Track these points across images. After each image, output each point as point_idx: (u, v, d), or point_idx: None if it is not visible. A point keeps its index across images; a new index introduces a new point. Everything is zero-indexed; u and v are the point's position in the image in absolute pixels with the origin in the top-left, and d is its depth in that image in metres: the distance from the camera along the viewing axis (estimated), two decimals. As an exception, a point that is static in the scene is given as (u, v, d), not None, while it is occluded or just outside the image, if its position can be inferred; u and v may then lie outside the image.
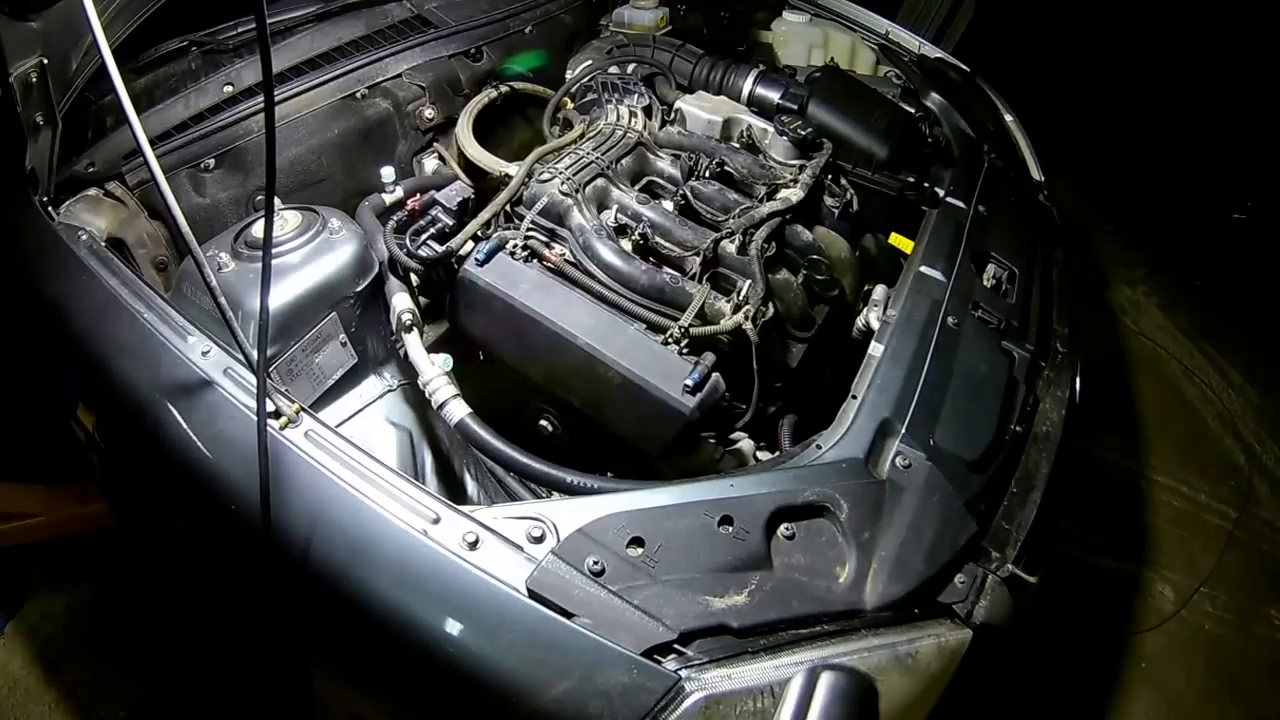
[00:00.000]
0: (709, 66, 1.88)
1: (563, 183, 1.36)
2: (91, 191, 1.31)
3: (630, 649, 0.79)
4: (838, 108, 1.74)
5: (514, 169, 1.50)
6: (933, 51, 2.32)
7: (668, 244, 1.36)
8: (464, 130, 1.65)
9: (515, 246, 1.31)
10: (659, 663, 0.79)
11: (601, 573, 0.84)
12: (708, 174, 1.52)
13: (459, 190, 1.45)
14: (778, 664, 0.82)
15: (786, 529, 0.94)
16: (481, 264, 1.28)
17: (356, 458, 0.94)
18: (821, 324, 1.45)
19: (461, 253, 1.32)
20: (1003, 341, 1.32)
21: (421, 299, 1.45)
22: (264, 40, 0.75)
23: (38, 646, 1.76)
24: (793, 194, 1.48)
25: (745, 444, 1.30)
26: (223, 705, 1.68)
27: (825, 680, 0.81)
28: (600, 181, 1.42)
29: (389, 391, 1.33)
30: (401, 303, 1.28)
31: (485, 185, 1.61)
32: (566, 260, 1.30)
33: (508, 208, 1.39)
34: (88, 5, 0.74)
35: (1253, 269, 3.59)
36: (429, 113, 1.70)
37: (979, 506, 1.06)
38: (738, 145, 1.64)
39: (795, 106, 1.75)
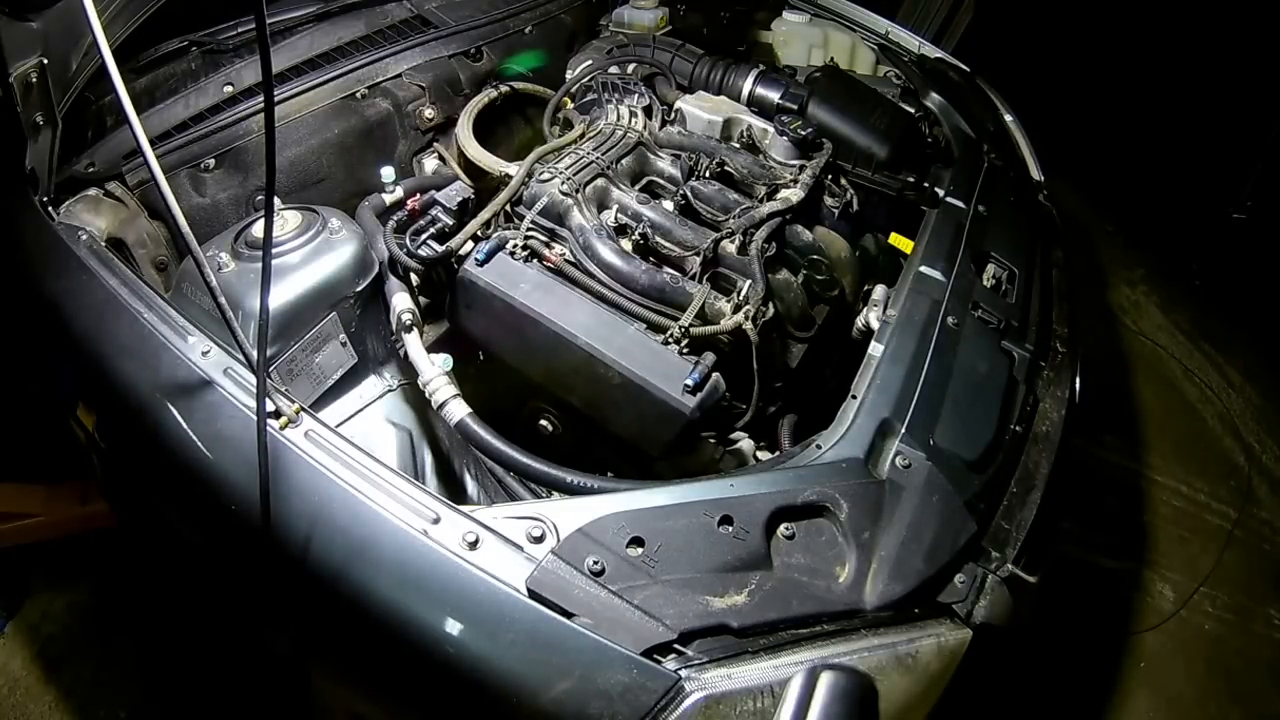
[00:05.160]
0: (709, 66, 1.88)
1: (563, 183, 1.36)
2: (91, 191, 1.31)
3: (630, 649, 0.79)
4: (838, 108, 1.74)
5: (514, 169, 1.50)
6: (933, 51, 2.32)
7: (668, 244, 1.36)
8: (464, 130, 1.65)
9: (515, 246, 1.31)
10: (659, 662, 0.79)
11: (601, 572, 0.84)
12: (708, 174, 1.52)
13: (459, 190, 1.45)
14: (778, 664, 0.82)
15: (786, 529, 0.94)
16: (481, 264, 1.28)
17: (356, 458, 0.94)
18: (821, 324, 1.45)
19: (461, 253, 1.32)
20: (1003, 341, 1.32)
21: (421, 299, 1.45)
22: (264, 40, 0.75)
23: (38, 646, 1.76)
24: (793, 194, 1.48)
25: (745, 444, 1.30)
26: (223, 705, 1.68)
27: (825, 680, 0.81)
28: (600, 181, 1.42)
29: (389, 391, 1.33)
30: (401, 303, 1.28)
31: (485, 185, 1.61)
32: (566, 260, 1.30)
33: (508, 208, 1.39)
34: (88, 5, 0.74)
35: (1253, 269, 3.59)
36: (429, 113, 1.70)
37: (979, 506, 1.06)
38: (738, 145, 1.64)
39: (795, 106, 1.75)
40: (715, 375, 1.20)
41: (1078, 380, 1.39)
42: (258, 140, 1.46)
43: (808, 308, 1.43)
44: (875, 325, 1.33)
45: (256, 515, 0.85)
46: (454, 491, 1.29)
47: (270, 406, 0.94)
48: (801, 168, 1.57)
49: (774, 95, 1.81)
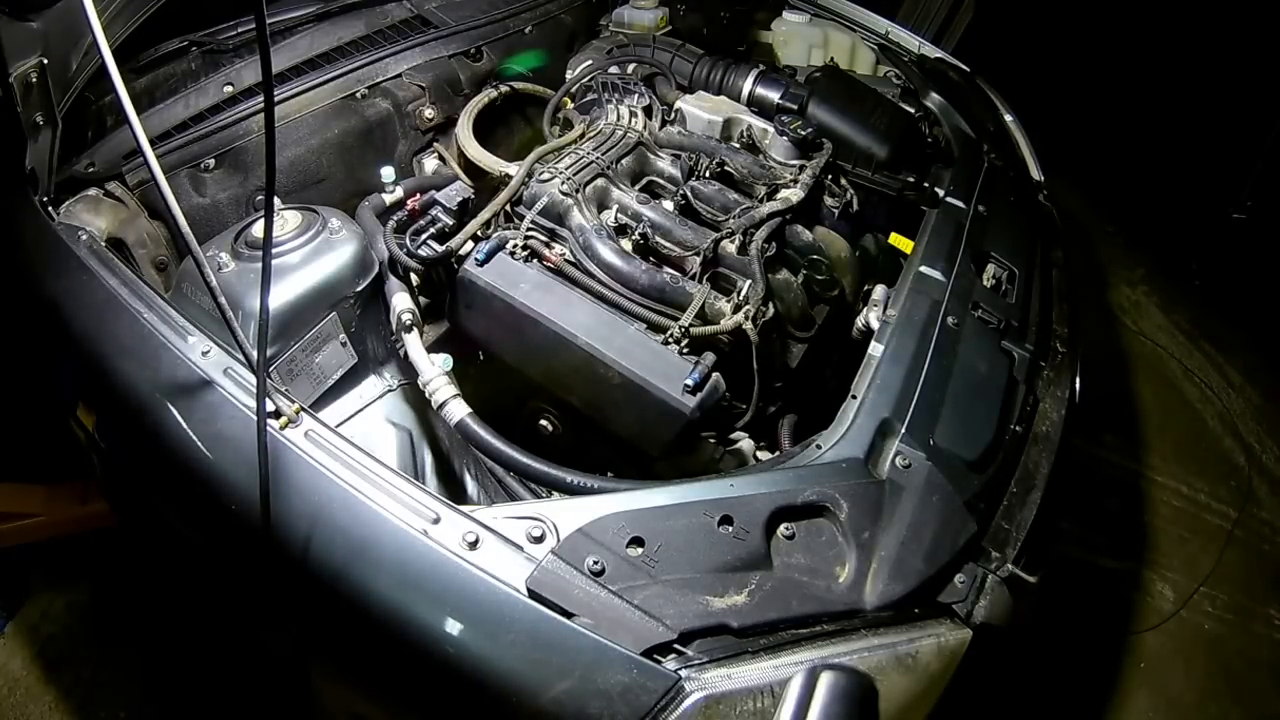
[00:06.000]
0: (709, 66, 1.88)
1: (563, 183, 1.36)
2: (91, 191, 1.31)
3: (630, 649, 0.79)
4: (838, 108, 1.74)
5: (514, 169, 1.50)
6: (933, 51, 2.33)
7: (668, 244, 1.36)
8: (464, 130, 1.65)
9: (515, 246, 1.31)
10: (659, 662, 0.79)
11: (601, 573, 0.84)
12: (708, 174, 1.52)
13: (459, 190, 1.45)
14: (778, 664, 0.82)
15: (786, 529, 0.94)
16: (481, 264, 1.28)
17: (356, 458, 0.94)
18: (821, 324, 1.45)
19: (461, 253, 1.32)
20: (1003, 341, 1.32)
21: (421, 299, 1.45)
22: (264, 40, 0.75)
23: (38, 646, 1.76)
24: (793, 194, 1.48)
25: (745, 444, 1.30)
26: (223, 705, 1.68)
27: (825, 680, 0.81)
28: (600, 181, 1.42)
29: (389, 391, 1.33)
30: (401, 303, 1.28)
31: (485, 185, 1.61)
32: (566, 260, 1.30)
33: (508, 208, 1.39)
34: (88, 5, 0.74)
35: (1253, 269, 3.59)
36: (429, 113, 1.70)
37: (979, 506, 1.06)
38: (738, 145, 1.64)
39: (795, 106, 1.75)
40: (715, 375, 1.20)
41: (1078, 380, 1.39)
42: (258, 140, 1.46)
43: (808, 308, 1.43)
44: (875, 325, 1.33)
45: (256, 515, 0.85)
46: (454, 491, 1.29)
47: (270, 406, 0.94)
48: (801, 168, 1.57)
49: (774, 95, 1.81)
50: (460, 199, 1.42)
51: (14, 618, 1.81)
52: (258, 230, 1.20)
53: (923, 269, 1.40)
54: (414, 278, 1.35)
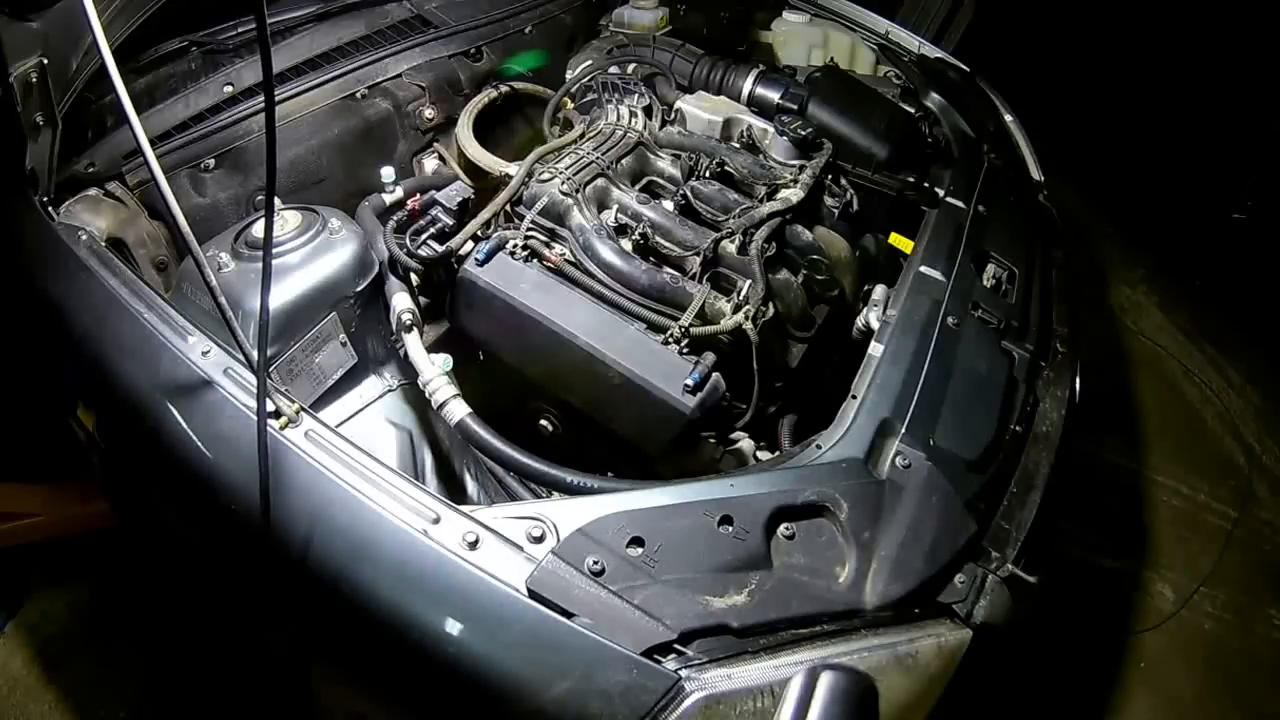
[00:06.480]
0: (709, 66, 1.88)
1: (563, 182, 1.36)
2: (91, 191, 1.31)
3: (630, 649, 0.79)
4: (838, 108, 1.74)
5: (514, 169, 1.50)
6: (933, 51, 2.32)
7: (668, 244, 1.36)
8: (464, 130, 1.65)
9: (515, 246, 1.31)
10: (659, 662, 0.79)
11: (601, 572, 0.84)
12: (708, 174, 1.52)
13: (459, 190, 1.45)
14: (778, 664, 0.82)
15: (786, 529, 0.94)
16: (481, 264, 1.28)
17: (356, 458, 0.94)
18: (821, 324, 1.45)
19: (461, 253, 1.32)
20: (1003, 341, 1.32)
21: (421, 299, 1.45)
22: (264, 40, 0.75)
23: (38, 646, 1.76)
24: (793, 194, 1.48)
25: (745, 444, 1.30)
26: (223, 705, 1.68)
27: (825, 680, 0.81)
28: (600, 181, 1.42)
29: (389, 391, 1.33)
30: (401, 303, 1.28)
31: (485, 185, 1.61)
32: (566, 260, 1.30)
33: (508, 208, 1.39)
34: (88, 5, 0.74)
35: (1253, 269, 3.59)
36: (429, 113, 1.70)
37: (979, 506, 1.06)
38: (738, 145, 1.64)
39: (795, 106, 1.75)
40: (715, 375, 1.20)
41: (1078, 380, 1.39)
42: (258, 140, 1.47)
43: (808, 308, 1.43)
44: (875, 325, 1.33)
45: (256, 515, 0.85)
46: (454, 491, 1.29)
47: (270, 406, 0.94)
48: (801, 168, 1.57)
49: (774, 95, 1.81)
50: (460, 199, 1.42)
51: (14, 618, 1.80)
52: (258, 230, 1.20)
53: (923, 269, 1.40)
54: (414, 278, 1.35)
